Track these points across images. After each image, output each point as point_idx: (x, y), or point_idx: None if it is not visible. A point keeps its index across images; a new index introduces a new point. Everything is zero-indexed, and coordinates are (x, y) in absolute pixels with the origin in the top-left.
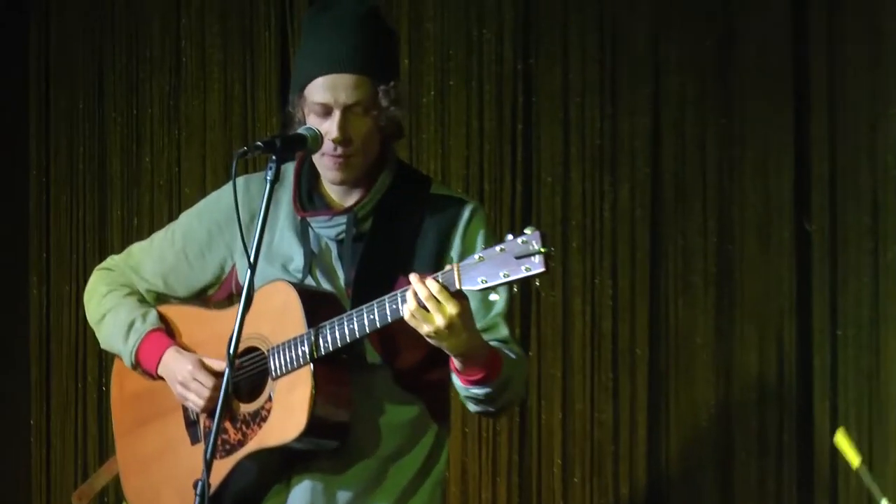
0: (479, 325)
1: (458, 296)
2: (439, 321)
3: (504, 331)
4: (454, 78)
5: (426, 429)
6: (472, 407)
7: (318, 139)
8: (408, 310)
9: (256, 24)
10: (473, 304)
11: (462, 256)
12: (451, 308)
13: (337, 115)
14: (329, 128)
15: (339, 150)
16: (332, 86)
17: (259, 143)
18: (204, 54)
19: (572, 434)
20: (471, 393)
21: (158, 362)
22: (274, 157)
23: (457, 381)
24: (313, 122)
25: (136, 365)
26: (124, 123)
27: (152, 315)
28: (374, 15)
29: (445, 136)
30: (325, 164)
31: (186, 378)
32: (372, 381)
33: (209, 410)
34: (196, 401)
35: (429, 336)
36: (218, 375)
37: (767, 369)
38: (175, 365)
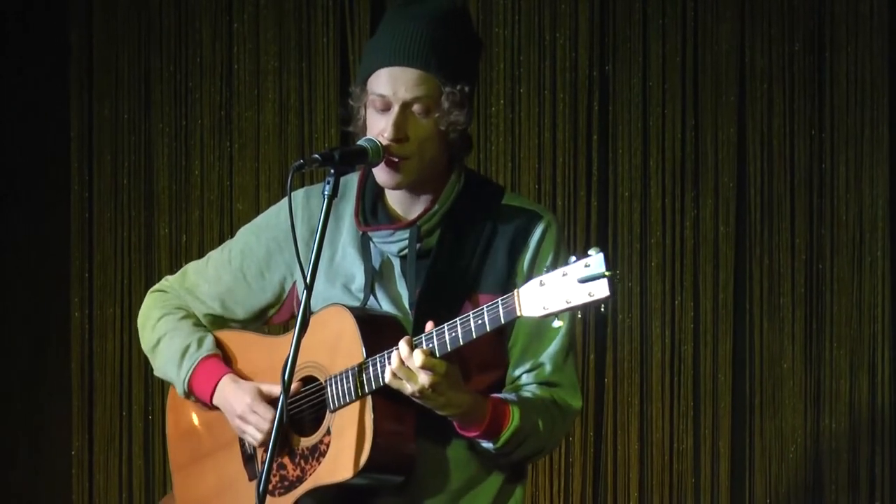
0: (526, 364)
1: (445, 357)
2: (423, 380)
3: (547, 370)
4: (525, 86)
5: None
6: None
7: (379, 151)
8: (389, 371)
9: (314, 29)
10: (524, 339)
11: (530, 279)
12: (439, 368)
13: (395, 110)
14: (385, 125)
15: (393, 149)
16: (394, 78)
17: (316, 155)
18: (258, 61)
19: (650, 465)
20: (481, 448)
21: (213, 391)
22: (332, 171)
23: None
24: (372, 118)
25: (189, 393)
26: (172, 135)
27: (208, 340)
28: (457, 15)
29: (516, 147)
30: (378, 165)
31: (245, 411)
32: None
33: (268, 444)
34: (255, 434)
35: (413, 396)
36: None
37: (859, 397)
38: (232, 396)
